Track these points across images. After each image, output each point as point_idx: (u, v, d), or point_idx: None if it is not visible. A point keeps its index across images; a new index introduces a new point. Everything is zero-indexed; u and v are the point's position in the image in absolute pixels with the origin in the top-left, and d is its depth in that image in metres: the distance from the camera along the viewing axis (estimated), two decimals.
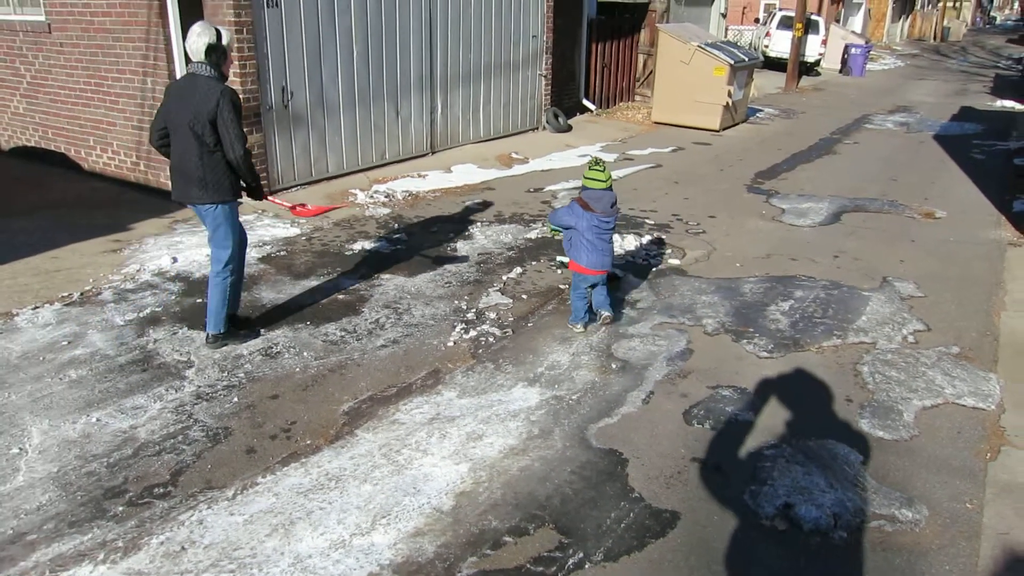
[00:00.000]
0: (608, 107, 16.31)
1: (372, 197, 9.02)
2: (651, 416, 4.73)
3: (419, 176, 10.04)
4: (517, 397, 4.88)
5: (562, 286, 6.70)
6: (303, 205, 5.82)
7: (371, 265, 6.99)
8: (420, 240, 7.70)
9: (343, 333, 5.63)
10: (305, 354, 5.32)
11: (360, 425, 4.53)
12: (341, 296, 6.29)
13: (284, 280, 6.58)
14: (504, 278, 6.83)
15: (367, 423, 4.55)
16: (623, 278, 6.80)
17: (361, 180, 9.67)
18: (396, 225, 8.13)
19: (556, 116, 13.62)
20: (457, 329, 5.77)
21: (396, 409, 4.71)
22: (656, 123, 15.12)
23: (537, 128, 13.64)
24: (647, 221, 8.72)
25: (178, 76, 8.03)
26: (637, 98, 17.25)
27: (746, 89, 15.42)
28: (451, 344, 5.56)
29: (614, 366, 5.31)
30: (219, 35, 4.51)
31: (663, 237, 8.10)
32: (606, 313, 5.88)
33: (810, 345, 5.72)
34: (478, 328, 5.81)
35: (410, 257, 7.21)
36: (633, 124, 15.09)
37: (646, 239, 7.93)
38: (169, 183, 5.19)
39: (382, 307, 6.12)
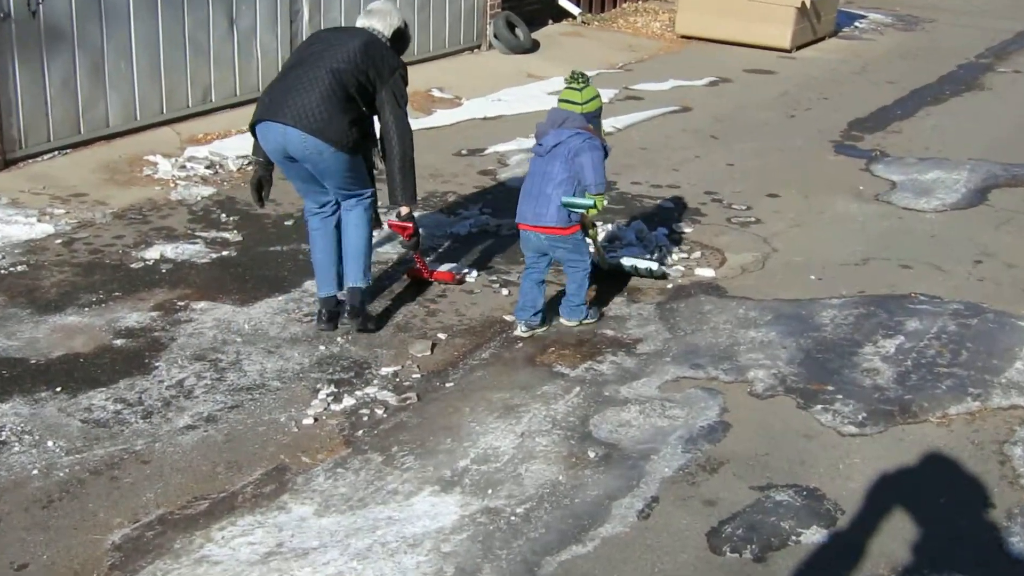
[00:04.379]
0: (602, 10, 16.49)
1: (184, 168, 9.01)
2: (652, 540, 4.74)
3: None
4: (422, 512, 4.88)
5: (507, 316, 6.74)
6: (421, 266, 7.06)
7: (176, 286, 6.96)
8: (264, 241, 7.70)
9: (120, 407, 5.59)
10: (50, 444, 5.27)
11: (141, 567, 4.47)
12: (120, 342, 6.25)
13: (20, 315, 6.54)
14: (408, 306, 6.83)
15: (155, 562, 4.50)
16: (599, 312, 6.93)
17: (167, 139, 9.56)
18: (224, 216, 8.13)
19: (511, 26, 13.66)
20: (321, 396, 5.76)
21: (206, 537, 4.67)
22: (683, 37, 15.21)
23: (479, 47, 13.66)
24: (661, 202, 8.72)
25: None
26: None
27: None
28: (310, 422, 5.54)
29: (592, 454, 5.33)
30: (406, 25, 6.51)
31: (687, 230, 8.14)
32: (563, 319, 6.71)
33: (928, 412, 5.80)
34: (358, 393, 5.80)
35: (245, 272, 7.20)
36: (645, 39, 15.17)
37: (658, 233, 7.96)
38: None
39: (191, 359, 6.10)
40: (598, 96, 6.64)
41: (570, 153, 6.28)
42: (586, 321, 6.65)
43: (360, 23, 6.40)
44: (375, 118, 6.32)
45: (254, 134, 6.23)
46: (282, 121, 5.97)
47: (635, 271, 7.31)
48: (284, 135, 5.99)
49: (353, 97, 6.08)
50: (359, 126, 6.15)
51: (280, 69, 6.46)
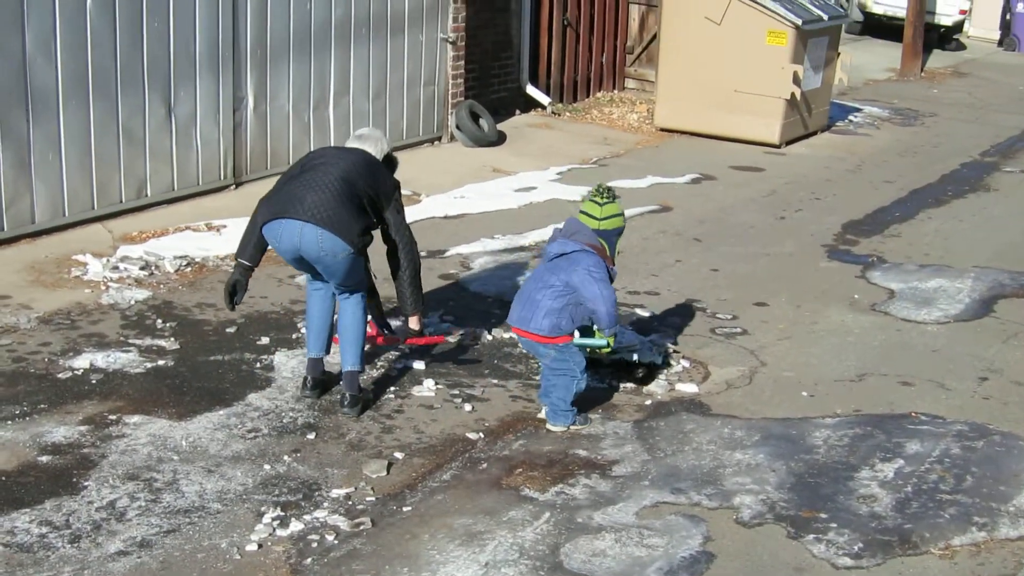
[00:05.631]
0: (575, 100, 16.65)
1: (117, 269, 8.99)
2: None
3: (209, 228, 10.04)
4: None
5: (471, 434, 6.78)
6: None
7: (107, 398, 6.93)
8: (204, 349, 7.68)
9: (45, 530, 5.51)
10: None
11: None
12: (46, 459, 6.19)
13: None
14: (362, 422, 6.84)
15: None
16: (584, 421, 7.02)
17: (98, 237, 9.63)
18: (160, 321, 8.11)
19: (474, 117, 13.81)
20: (266, 520, 5.73)
21: None
22: (663, 130, 15.39)
23: (440, 138, 13.80)
24: (639, 311, 8.81)
25: None
26: (629, 84, 17.72)
27: (827, 72, 15.89)
28: (253, 548, 5.50)
29: None
30: (393, 154, 7.36)
31: (668, 343, 8.18)
32: (549, 424, 6.91)
33: (930, 543, 5.82)
34: (306, 518, 5.77)
35: (183, 383, 7.17)
36: (621, 132, 15.34)
37: (636, 345, 7.92)
38: None
39: (124, 479, 6.04)
40: (621, 215, 6.90)
41: (570, 273, 6.63)
42: (573, 427, 6.83)
43: (352, 145, 7.19)
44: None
45: (260, 234, 6.78)
46: (300, 218, 6.55)
47: (639, 363, 7.59)
48: (301, 233, 6.56)
49: (364, 208, 6.76)
50: (368, 235, 6.82)
51: (281, 179, 7.02)
